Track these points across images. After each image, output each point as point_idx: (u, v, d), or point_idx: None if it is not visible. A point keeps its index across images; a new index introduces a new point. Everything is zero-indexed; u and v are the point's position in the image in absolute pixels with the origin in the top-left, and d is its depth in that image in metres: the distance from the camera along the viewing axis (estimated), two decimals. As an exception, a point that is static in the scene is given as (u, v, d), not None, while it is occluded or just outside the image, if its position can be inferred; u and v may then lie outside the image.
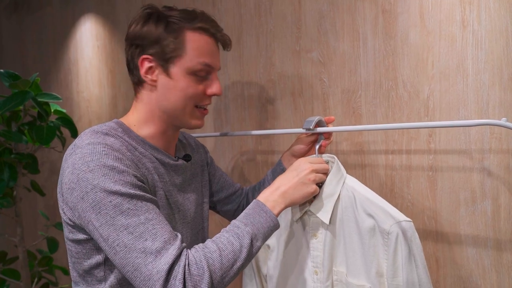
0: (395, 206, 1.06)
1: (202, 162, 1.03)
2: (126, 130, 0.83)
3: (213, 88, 0.85)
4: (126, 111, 1.85)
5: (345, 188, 0.91)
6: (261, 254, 1.06)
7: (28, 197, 2.14)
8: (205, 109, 0.87)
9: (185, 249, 0.71)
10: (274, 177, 1.05)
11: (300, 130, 0.98)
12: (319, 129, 0.98)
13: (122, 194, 0.69)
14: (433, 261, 1.03)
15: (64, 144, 1.58)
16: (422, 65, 1.01)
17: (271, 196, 0.82)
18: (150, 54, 0.80)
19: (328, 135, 1.01)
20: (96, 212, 0.69)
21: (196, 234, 0.94)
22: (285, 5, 1.25)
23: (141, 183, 0.74)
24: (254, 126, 1.35)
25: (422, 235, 1.04)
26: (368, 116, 1.11)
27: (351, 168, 1.14)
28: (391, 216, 0.83)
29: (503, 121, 0.71)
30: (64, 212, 0.77)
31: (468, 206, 0.97)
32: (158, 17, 0.81)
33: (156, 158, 0.84)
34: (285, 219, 0.99)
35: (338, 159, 0.95)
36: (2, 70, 1.47)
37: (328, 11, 1.16)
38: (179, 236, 0.72)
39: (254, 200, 0.83)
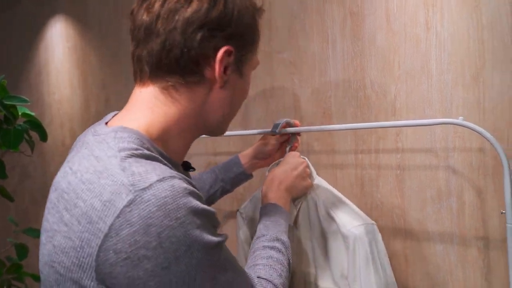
0: (365, 205, 1.07)
1: None
2: (152, 146, 0.55)
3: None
4: (98, 113, 1.81)
5: (312, 191, 0.91)
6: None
7: (-2, 203, 2.07)
8: None
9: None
10: (227, 179, 1.01)
11: (261, 131, 1.00)
12: (289, 129, 0.98)
13: (220, 245, 0.52)
14: (402, 259, 1.05)
15: (33, 148, 1.54)
16: (389, 66, 1.03)
17: (278, 193, 0.81)
18: (233, 46, 0.59)
19: (296, 138, 1.01)
20: (187, 283, 0.47)
21: None
22: (256, 6, 1.26)
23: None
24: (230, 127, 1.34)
25: (392, 233, 1.05)
26: (338, 116, 1.12)
27: (322, 168, 1.15)
28: (352, 219, 0.85)
29: (460, 120, 0.73)
30: None
31: (434, 204, 0.99)
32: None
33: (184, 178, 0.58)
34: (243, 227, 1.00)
35: (310, 159, 0.96)
36: (-35, 73, 1.42)
37: (298, 12, 1.17)
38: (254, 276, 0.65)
39: (269, 204, 0.80)
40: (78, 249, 0.46)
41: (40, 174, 2.04)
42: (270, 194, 0.81)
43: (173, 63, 0.56)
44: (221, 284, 0.51)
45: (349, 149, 1.11)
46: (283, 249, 0.71)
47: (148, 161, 0.50)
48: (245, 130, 1.28)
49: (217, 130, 0.69)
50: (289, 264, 0.71)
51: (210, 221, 0.50)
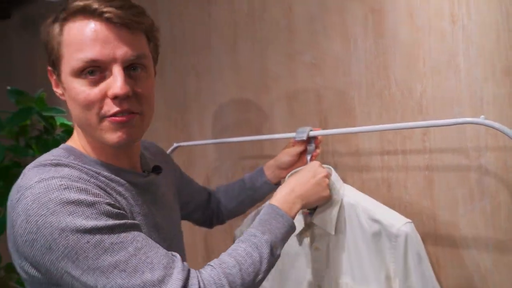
0: (393, 207, 1.04)
1: (170, 169, 0.92)
2: (80, 156, 0.67)
3: (112, 88, 0.62)
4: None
5: (345, 196, 0.90)
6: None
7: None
8: (120, 116, 0.64)
9: (193, 269, 0.62)
10: (254, 188, 1.03)
11: (289, 135, 0.99)
12: (312, 133, 0.97)
13: (100, 229, 0.57)
14: (433, 261, 1.01)
15: (70, 156, 1.62)
16: (414, 62, 0.99)
17: (286, 198, 0.77)
18: (49, 65, 0.68)
19: (317, 145, 1.00)
20: (72, 259, 0.56)
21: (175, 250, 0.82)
22: (277, 10, 1.26)
23: (118, 210, 0.62)
24: (252, 131, 1.35)
25: (422, 235, 1.00)
26: (363, 117, 1.10)
27: (347, 171, 1.13)
28: (396, 219, 0.84)
29: (481, 119, 0.70)
30: (24, 271, 0.61)
31: (466, 205, 0.95)
32: (51, 15, 0.67)
33: (125, 180, 0.70)
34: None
35: (334, 161, 0.95)
36: (9, 88, 1.52)
37: (318, 13, 1.16)
38: (178, 256, 0.62)
39: (267, 204, 0.77)
40: (11, 237, 0.61)
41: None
42: (278, 196, 0.78)
43: None
44: (106, 266, 0.56)
45: (374, 151, 1.08)
46: (257, 244, 0.66)
47: (51, 168, 0.61)
48: (271, 134, 1.28)
49: (99, 140, 0.68)
50: (260, 262, 0.65)
51: (90, 209, 0.58)
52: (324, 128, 1.13)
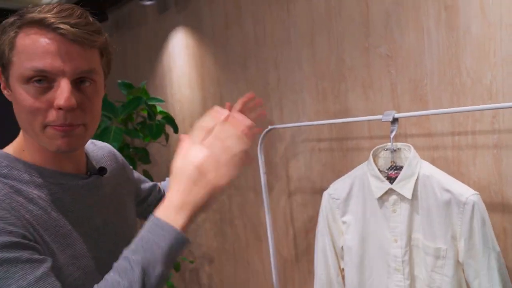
0: (462, 182, 1.18)
1: (121, 170, 0.91)
2: (13, 162, 0.68)
3: (58, 99, 0.63)
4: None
5: (422, 169, 1.07)
6: (335, 228, 1.24)
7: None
8: (63, 126, 0.65)
9: None
10: None
11: (377, 117, 1.15)
12: (397, 115, 1.13)
13: None
14: (500, 231, 1.14)
15: (168, 139, 1.91)
16: (484, 54, 1.11)
17: (171, 202, 0.58)
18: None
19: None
20: None
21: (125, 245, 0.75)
22: (353, 8, 1.41)
23: (20, 240, 0.60)
24: (329, 117, 1.53)
25: (489, 207, 1.14)
26: (434, 102, 1.23)
27: (419, 150, 1.27)
28: (465, 190, 0.99)
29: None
30: None
31: (533, 180, 1.06)
32: (8, 20, 0.66)
33: (61, 184, 0.71)
34: (362, 197, 1.17)
35: (408, 142, 1.11)
36: (120, 81, 1.83)
37: (393, 10, 1.30)
38: None
39: (149, 218, 0.61)
40: None
41: (164, 161, 2.45)
42: (164, 201, 0.59)
43: None
44: None
45: (446, 132, 1.22)
46: (126, 269, 0.56)
47: None
48: (345, 118, 1.45)
49: (41, 144, 0.69)
50: None
51: None
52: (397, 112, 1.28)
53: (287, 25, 1.64)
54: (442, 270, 0.99)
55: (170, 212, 0.58)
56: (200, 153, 0.57)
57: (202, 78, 2.11)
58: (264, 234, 1.87)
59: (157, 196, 1.06)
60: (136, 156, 1.83)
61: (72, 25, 0.63)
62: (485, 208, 1.00)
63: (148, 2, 2.13)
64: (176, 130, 1.84)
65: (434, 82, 1.23)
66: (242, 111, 1.01)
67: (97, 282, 0.60)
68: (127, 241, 0.70)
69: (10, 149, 0.72)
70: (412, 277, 1.06)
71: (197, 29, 2.10)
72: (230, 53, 1.92)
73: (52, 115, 0.64)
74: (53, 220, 0.68)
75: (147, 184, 1.05)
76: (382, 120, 1.09)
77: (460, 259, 0.99)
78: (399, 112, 1.29)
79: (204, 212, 0.59)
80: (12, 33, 0.64)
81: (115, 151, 0.95)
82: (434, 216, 1.01)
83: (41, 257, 0.61)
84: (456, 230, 0.99)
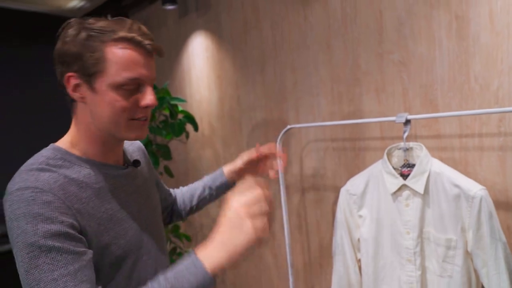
0: (469, 181, 1.26)
1: (148, 164, 1.03)
2: (65, 155, 0.80)
3: (146, 100, 0.80)
4: (231, 109, 2.25)
5: (433, 166, 1.15)
6: (352, 222, 1.33)
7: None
8: (145, 120, 0.82)
9: None
10: (214, 187, 1.13)
11: (389, 119, 1.24)
12: (410, 116, 1.21)
13: (40, 247, 0.67)
14: (505, 228, 1.21)
15: (188, 137, 2.01)
16: (492, 61, 1.19)
17: (211, 247, 0.70)
18: (74, 71, 0.77)
19: (283, 158, 1.09)
20: (18, 261, 0.68)
21: (157, 238, 0.94)
22: (368, 15, 1.50)
23: (68, 230, 0.70)
24: (343, 118, 1.61)
25: (494, 205, 1.22)
26: (444, 106, 1.31)
27: (429, 151, 1.35)
28: (474, 185, 1.08)
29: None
30: None
31: (536, 180, 1.14)
32: (79, 31, 0.77)
33: (106, 173, 0.83)
34: (377, 192, 1.26)
35: (418, 142, 1.19)
36: (143, 81, 1.93)
37: (406, 18, 1.38)
38: None
39: (190, 251, 0.77)
40: None
41: (183, 158, 2.55)
42: (207, 244, 0.70)
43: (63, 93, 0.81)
44: (31, 280, 0.66)
45: (454, 134, 1.30)
46: None
47: (34, 173, 0.73)
48: (359, 119, 1.54)
49: (116, 136, 0.82)
50: None
51: (42, 224, 0.68)
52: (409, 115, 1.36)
53: (304, 30, 1.73)
54: (453, 260, 1.08)
55: (208, 252, 0.69)
56: (242, 209, 0.70)
57: (220, 80, 2.21)
58: (277, 230, 1.96)
59: (167, 198, 1.15)
60: (159, 152, 1.93)
61: (151, 40, 0.79)
62: (492, 202, 1.08)
63: (170, 7, 2.23)
64: (196, 128, 1.94)
65: (444, 88, 1.31)
66: (267, 156, 1.12)
67: (131, 260, 0.78)
68: (155, 228, 0.92)
69: (60, 143, 0.83)
70: (423, 268, 1.15)
71: (217, 33, 2.20)
72: (248, 56, 2.02)
73: (139, 112, 0.80)
74: (99, 206, 0.79)
75: (160, 181, 1.14)
76: (396, 122, 1.18)
77: (469, 249, 1.08)
78: (412, 115, 1.38)
79: (241, 259, 0.69)
80: (98, 45, 0.76)
81: (143, 147, 1.06)
82: (445, 209, 1.10)
83: (83, 249, 0.71)
84: (465, 222, 1.07)
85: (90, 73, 0.76)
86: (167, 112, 1.93)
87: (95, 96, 0.77)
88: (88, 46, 0.75)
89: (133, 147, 1.01)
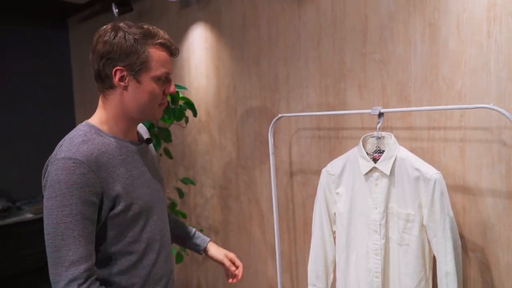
0: (434, 168, 1.45)
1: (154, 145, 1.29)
2: (98, 131, 1.00)
3: (171, 89, 1.05)
4: (227, 98, 2.41)
5: (399, 152, 1.34)
6: (330, 198, 1.52)
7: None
8: (166, 104, 1.07)
9: (92, 277, 0.91)
10: (193, 241, 1.31)
11: (366, 111, 1.42)
12: (383, 110, 1.40)
13: (72, 209, 0.89)
14: (460, 209, 1.42)
15: (187, 121, 2.18)
16: (457, 64, 1.38)
17: None
18: (122, 66, 0.97)
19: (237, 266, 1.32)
20: (49, 214, 0.90)
21: (162, 205, 1.14)
22: (355, 18, 1.67)
23: (93, 199, 0.92)
24: (329, 109, 1.79)
25: (454, 189, 1.42)
26: (416, 102, 1.50)
27: (402, 140, 1.55)
28: (430, 169, 1.28)
29: (491, 106, 1.09)
30: None
31: (488, 168, 1.34)
32: (125, 35, 0.97)
33: (127, 147, 1.04)
34: (352, 173, 1.45)
35: (393, 133, 1.38)
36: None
37: (387, 23, 1.56)
38: (91, 261, 0.92)
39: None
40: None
41: (180, 141, 2.72)
42: None
43: (98, 80, 1.01)
44: (59, 232, 0.89)
45: (423, 127, 1.49)
46: None
47: (77, 144, 0.94)
48: (343, 111, 1.72)
49: (146, 117, 1.04)
50: None
51: (77, 191, 0.90)
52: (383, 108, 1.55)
53: (298, 28, 1.90)
54: (410, 231, 1.28)
55: None
56: None
57: (218, 70, 2.37)
58: (266, 209, 2.15)
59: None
60: (160, 135, 2.09)
61: (174, 46, 1.05)
62: (445, 184, 1.27)
63: (173, -1, 2.37)
64: (195, 114, 2.10)
65: (417, 86, 1.50)
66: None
67: (144, 219, 1.02)
68: (161, 196, 1.15)
69: (92, 121, 1.03)
70: (386, 238, 1.35)
71: (216, 25, 2.35)
72: (245, 49, 2.18)
73: (164, 98, 1.05)
74: (124, 173, 1.01)
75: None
76: (371, 114, 1.37)
77: (424, 223, 1.28)
78: (386, 109, 1.56)
79: None
80: (142, 46, 0.98)
81: (147, 129, 1.26)
82: (407, 189, 1.29)
83: (96, 217, 0.95)
84: (422, 200, 1.27)
85: (137, 68, 0.98)
86: (168, 98, 2.08)
87: (139, 86, 0.99)
88: (136, 48, 0.97)
89: (143, 130, 1.21)
